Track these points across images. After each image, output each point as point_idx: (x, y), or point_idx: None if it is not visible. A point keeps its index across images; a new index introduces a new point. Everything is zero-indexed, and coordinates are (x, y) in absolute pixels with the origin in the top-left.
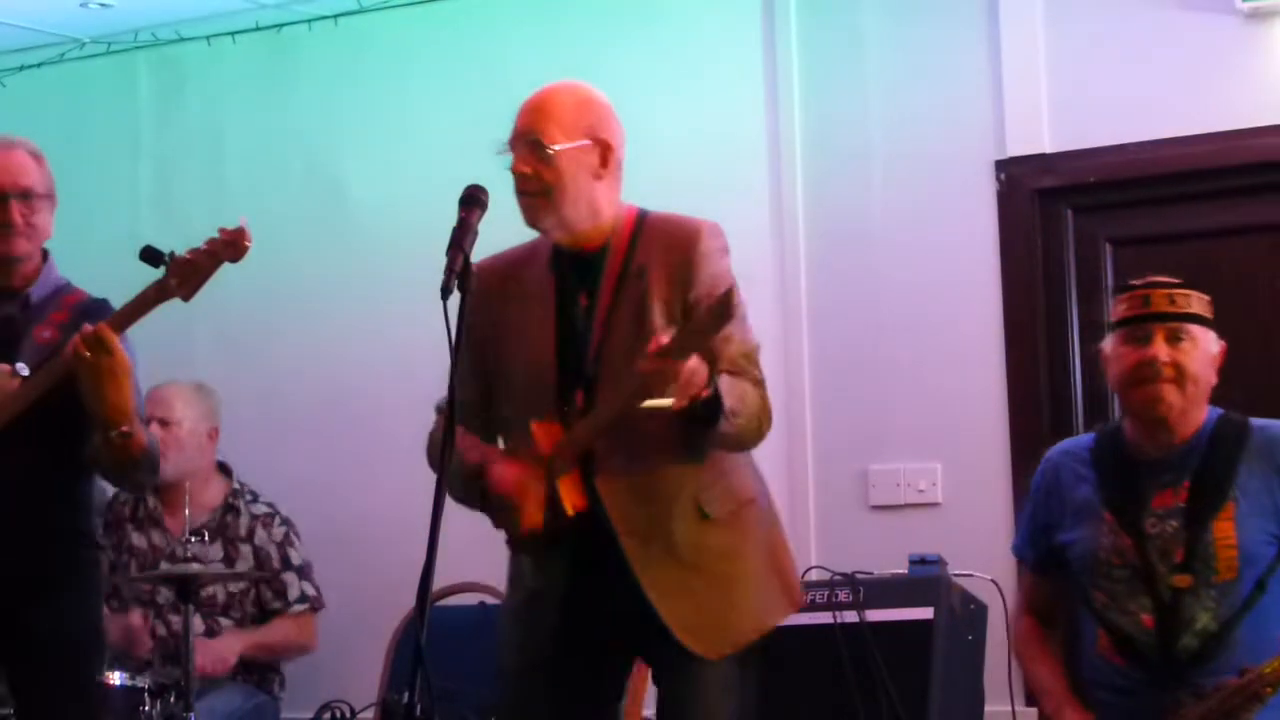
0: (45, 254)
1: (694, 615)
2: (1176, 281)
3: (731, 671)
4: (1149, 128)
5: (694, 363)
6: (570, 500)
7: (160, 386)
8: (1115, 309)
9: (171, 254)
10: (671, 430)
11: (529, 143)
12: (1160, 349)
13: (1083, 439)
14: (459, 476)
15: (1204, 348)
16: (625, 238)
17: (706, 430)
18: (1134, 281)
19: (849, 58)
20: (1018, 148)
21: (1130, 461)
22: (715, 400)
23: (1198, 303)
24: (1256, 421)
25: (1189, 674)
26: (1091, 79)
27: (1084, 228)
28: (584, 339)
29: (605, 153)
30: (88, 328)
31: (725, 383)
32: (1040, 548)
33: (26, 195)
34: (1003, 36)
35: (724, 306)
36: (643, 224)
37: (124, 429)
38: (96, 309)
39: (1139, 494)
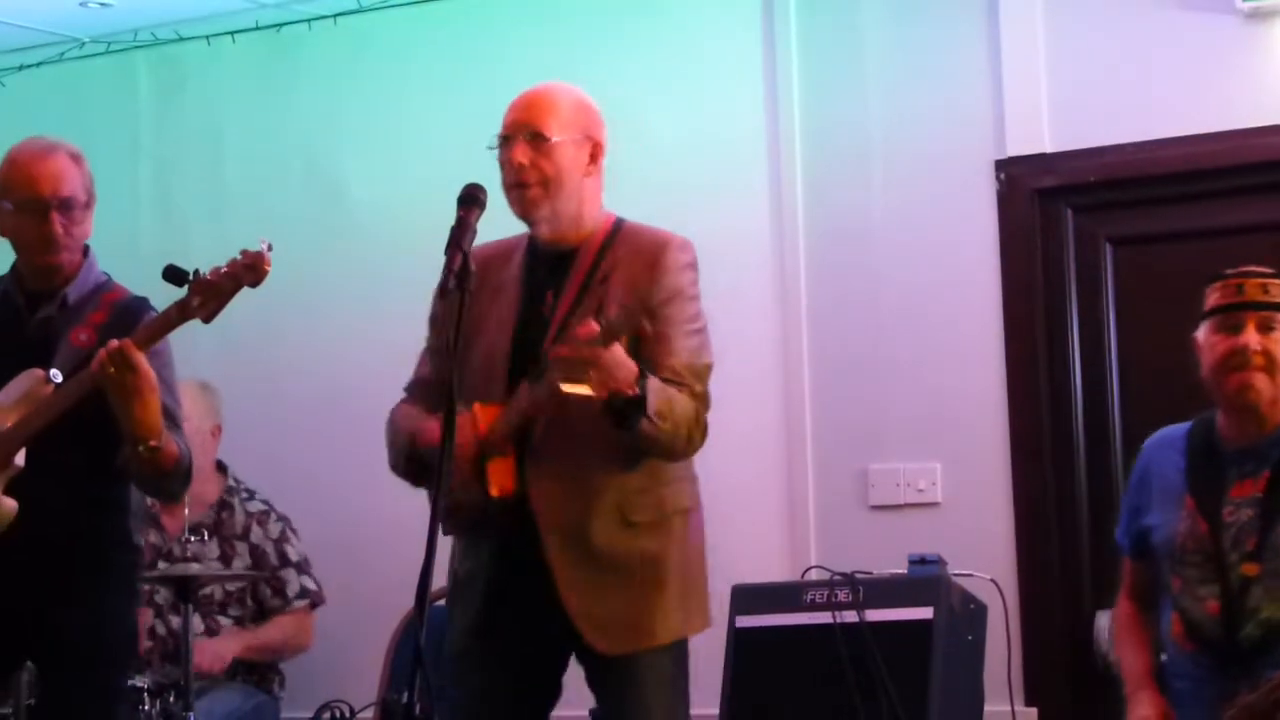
0: (85, 249)
1: (601, 613)
2: (1270, 271)
3: (660, 669)
4: (1149, 127)
5: (617, 354)
6: (497, 482)
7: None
8: (1209, 298)
9: (196, 272)
10: (609, 431)
11: (528, 134)
12: (1252, 337)
13: (1181, 426)
14: (399, 445)
15: None
16: (598, 242)
17: (628, 429)
18: (1228, 270)
19: (849, 57)
20: (1018, 147)
21: (1218, 449)
22: (640, 401)
23: None
24: None
25: (1252, 664)
26: (1092, 79)
27: (1084, 227)
28: (542, 332)
29: (595, 152)
30: (113, 343)
31: (655, 386)
32: (1133, 533)
33: (67, 205)
34: (1003, 36)
35: (634, 311)
36: (618, 231)
37: (151, 443)
38: (135, 308)
39: (1221, 481)
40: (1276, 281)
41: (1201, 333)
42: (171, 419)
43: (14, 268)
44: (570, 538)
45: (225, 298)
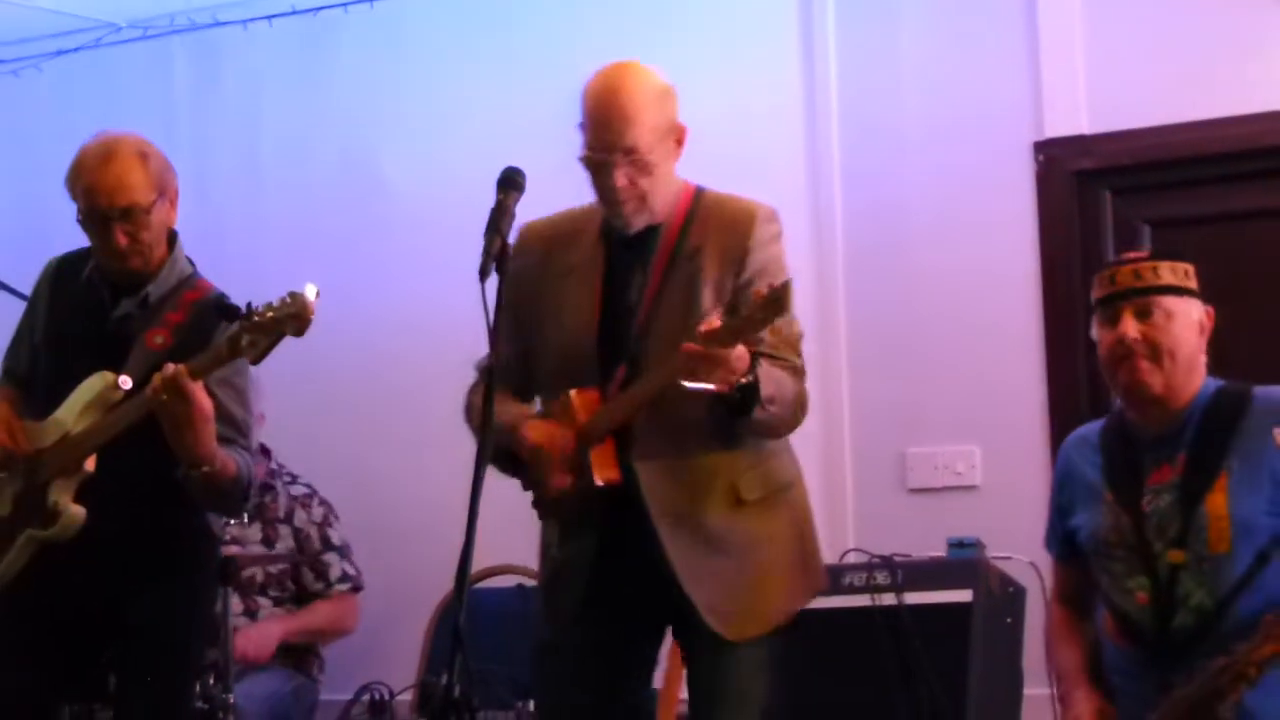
0: (172, 240)
1: (722, 600)
2: (1143, 255)
3: (760, 652)
4: (1188, 109)
5: (738, 349)
6: (601, 472)
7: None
8: (1091, 291)
9: (249, 306)
10: (710, 415)
11: (627, 155)
12: (1128, 326)
13: (1095, 424)
14: (492, 435)
15: (1181, 318)
16: (680, 217)
17: (742, 416)
18: (1108, 260)
19: (886, 39)
20: (1056, 129)
21: (1131, 440)
22: (753, 387)
23: (1170, 272)
24: (1260, 390)
25: (1186, 653)
26: (1130, 60)
27: (1122, 210)
28: (631, 315)
29: (680, 137)
30: (169, 370)
31: (764, 370)
32: (1060, 535)
33: (128, 214)
34: (1040, 18)
35: (779, 299)
36: (698, 203)
37: (204, 469)
38: (213, 311)
39: (1137, 471)
40: (1150, 264)
41: (1093, 327)
42: (239, 430)
43: None
44: (683, 521)
45: (273, 341)
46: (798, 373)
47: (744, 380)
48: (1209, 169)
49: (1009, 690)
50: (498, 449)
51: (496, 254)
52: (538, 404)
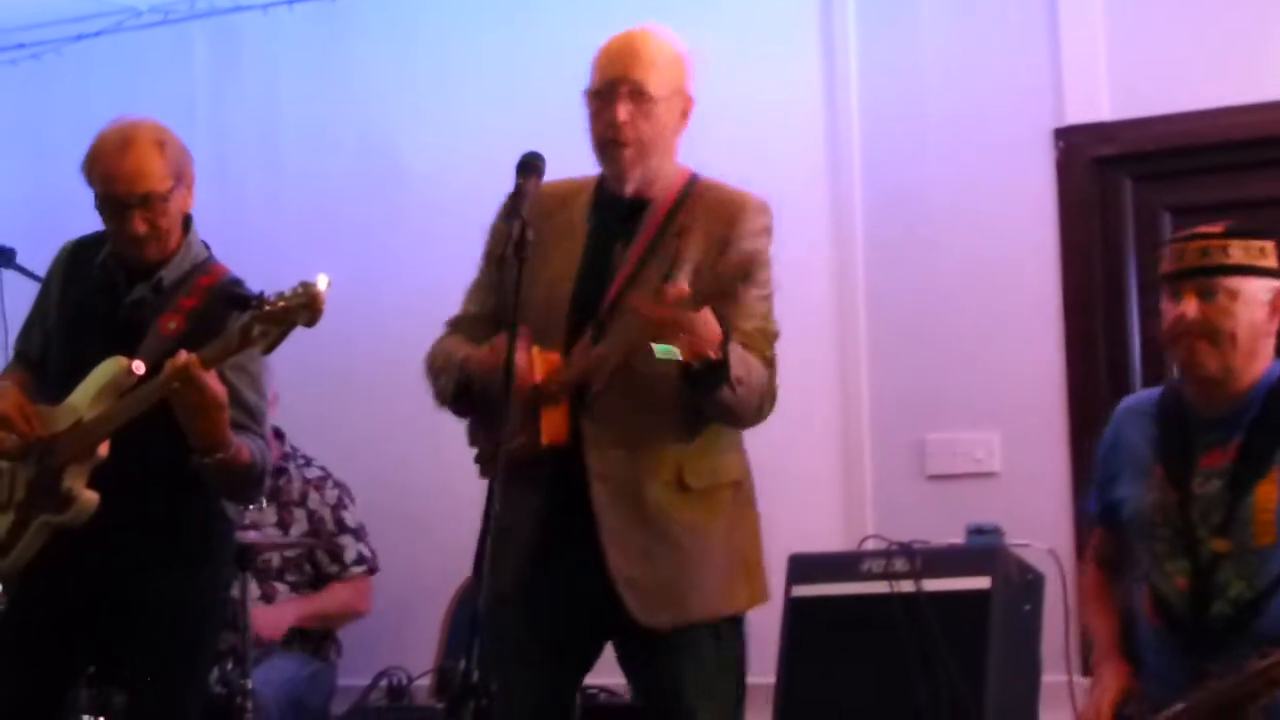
0: (187, 224)
1: (645, 579)
2: (1216, 230)
3: (698, 646)
4: (1210, 95)
5: (708, 318)
6: (549, 431)
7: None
8: (1161, 263)
9: (261, 296)
10: (673, 391)
11: (630, 90)
12: (1189, 306)
13: (1152, 392)
14: (447, 372)
15: (1247, 300)
16: (673, 194)
17: (708, 395)
18: (1179, 234)
19: (906, 26)
20: (1076, 116)
21: (1187, 417)
22: (723, 365)
23: (1242, 251)
24: None
25: (1221, 643)
26: (1151, 47)
27: (1143, 196)
28: (606, 282)
29: (687, 108)
30: (181, 358)
31: (736, 352)
32: (1104, 503)
33: (147, 201)
34: (1061, 3)
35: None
36: (693, 186)
37: (218, 456)
38: (226, 297)
39: (1190, 451)
40: (1221, 243)
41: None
42: (252, 417)
43: None
44: (622, 493)
45: (284, 331)
46: (768, 363)
47: (714, 356)
48: (1230, 155)
49: (1027, 677)
50: (452, 387)
51: (517, 239)
52: None
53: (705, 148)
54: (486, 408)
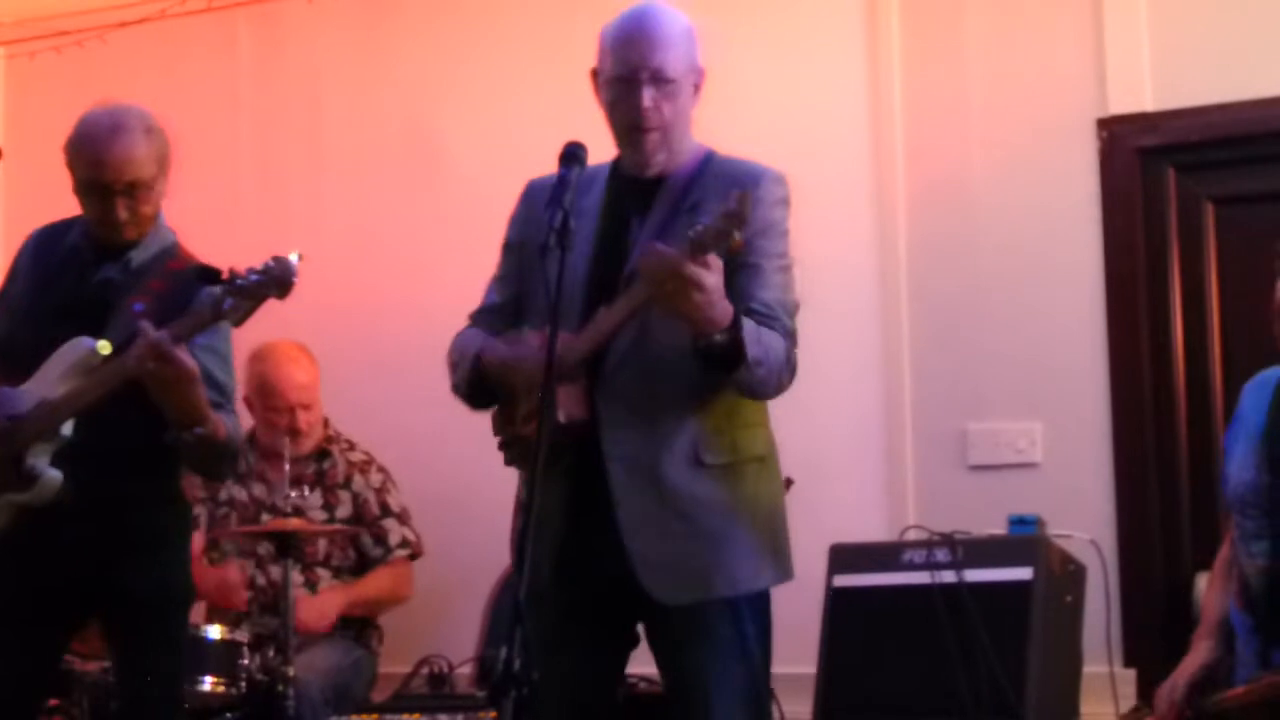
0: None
1: (659, 555)
2: None
3: (721, 623)
4: (1253, 86)
5: (714, 279)
6: (566, 408)
7: (281, 362)
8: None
9: (231, 272)
10: (688, 367)
11: (654, 77)
12: None
13: (1277, 370)
14: (462, 365)
15: None
16: (689, 172)
17: (724, 376)
18: None
19: (950, 16)
20: (1120, 106)
21: None
22: (737, 346)
23: None
24: None
25: None
26: (1194, 36)
27: (1186, 187)
28: (622, 259)
29: (700, 82)
30: (151, 336)
31: (750, 330)
32: (1226, 478)
33: (132, 189)
34: None
35: (739, 209)
36: (708, 162)
37: (197, 430)
38: (195, 280)
39: None
40: None
41: (1278, 290)
42: (224, 394)
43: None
44: (637, 471)
45: (255, 305)
46: (788, 334)
47: (720, 336)
48: (1274, 146)
49: (1069, 669)
50: (466, 381)
51: (558, 228)
52: None
53: (749, 140)
54: (504, 400)
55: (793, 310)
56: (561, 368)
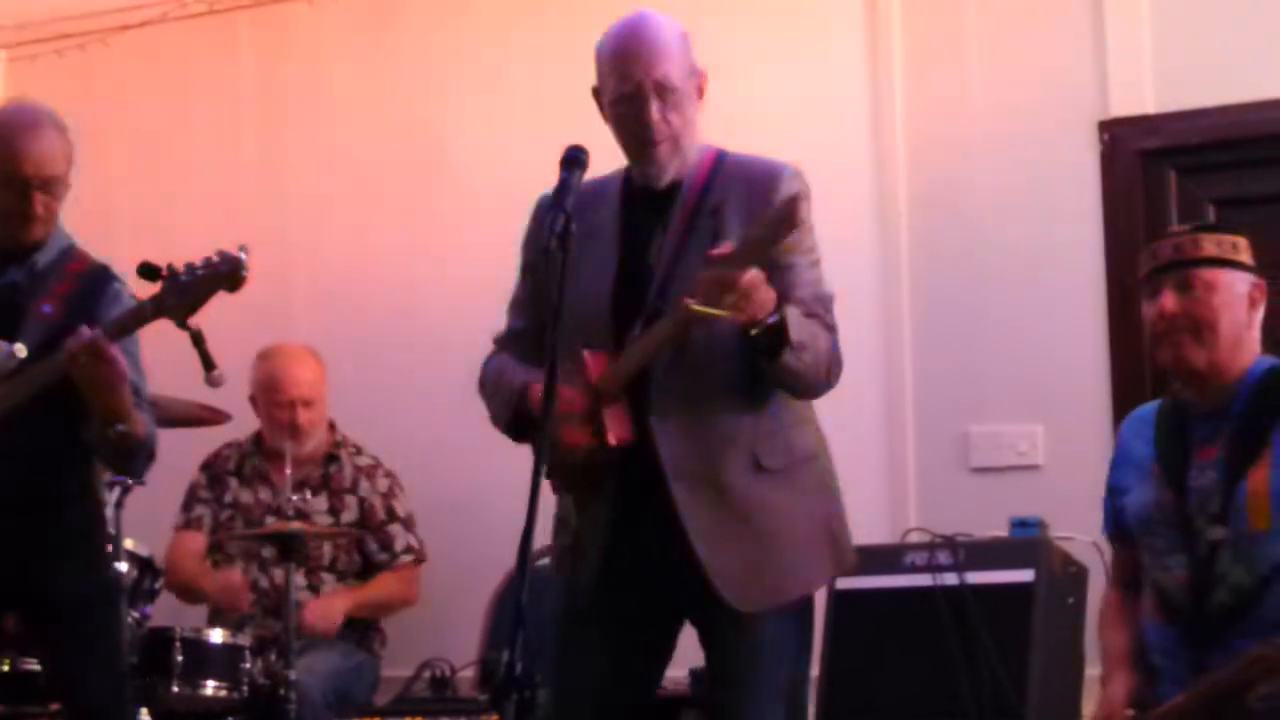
0: None
1: (736, 566)
2: (1185, 228)
3: (780, 631)
4: (1254, 88)
5: (755, 275)
6: (615, 431)
7: (283, 360)
8: (1139, 270)
9: (169, 268)
10: (734, 372)
11: (658, 89)
12: (1167, 300)
13: (1154, 403)
14: (502, 398)
15: (1223, 291)
16: (703, 175)
17: (771, 362)
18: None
19: (951, 18)
20: (1121, 108)
21: (1183, 416)
22: (781, 329)
23: (1213, 245)
24: None
25: (1223, 633)
26: (1196, 38)
27: (1188, 189)
28: (649, 275)
29: (702, 85)
30: (85, 335)
31: (794, 315)
32: (1114, 517)
33: (50, 185)
34: None
35: (789, 213)
36: (721, 163)
37: (120, 428)
38: (100, 280)
39: (1186, 447)
40: (1192, 237)
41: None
42: (139, 394)
43: None
44: (701, 484)
45: (201, 300)
46: (830, 330)
47: (768, 321)
48: (1275, 148)
49: (1071, 670)
50: (509, 415)
51: (560, 231)
52: None
53: (751, 140)
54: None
55: (829, 304)
56: (605, 393)
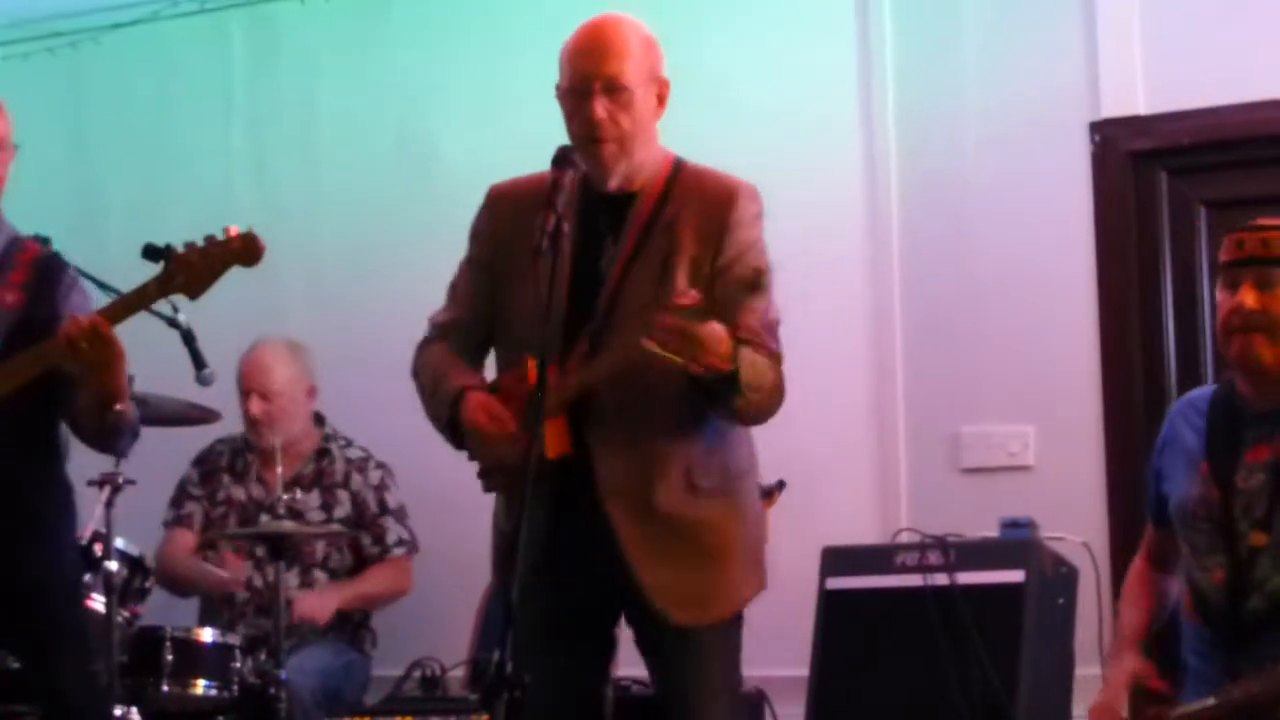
0: None
1: (674, 583)
2: (1274, 224)
3: (721, 641)
4: (1246, 89)
5: (715, 328)
6: (554, 443)
7: (256, 351)
8: (1220, 252)
9: (169, 248)
10: (676, 395)
11: (605, 85)
12: (1248, 296)
13: (1206, 389)
14: (440, 400)
15: None
16: (659, 185)
17: (722, 404)
18: (1240, 225)
19: (943, 19)
20: (1112, 109)
21: (1238, 412)
22: (735, 377)
23: None
24: None
25: (1257, 639)
26: (1187, 40)
27: (1179, 190)
28: (600, 285)
29: (663, 93)
30: (84, 320)
31: (746, 360)
32: (1156, 498)
33: None
34: None
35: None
36: (678, 173)
37: (118, 407)
38: (55, 265)
39: (1237, 445)
40: None
41: (1217, 290)
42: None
43: None
44: (635, 504)
45: (213, 276)
46: (775, 358)
47: (725, 369)
48: (1266, 150)
49: (1061, 671)
50: (447, 416)
51: (551, 231)
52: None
53: (742, 141)
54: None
55: (775, 329)
56: (549, 402)
